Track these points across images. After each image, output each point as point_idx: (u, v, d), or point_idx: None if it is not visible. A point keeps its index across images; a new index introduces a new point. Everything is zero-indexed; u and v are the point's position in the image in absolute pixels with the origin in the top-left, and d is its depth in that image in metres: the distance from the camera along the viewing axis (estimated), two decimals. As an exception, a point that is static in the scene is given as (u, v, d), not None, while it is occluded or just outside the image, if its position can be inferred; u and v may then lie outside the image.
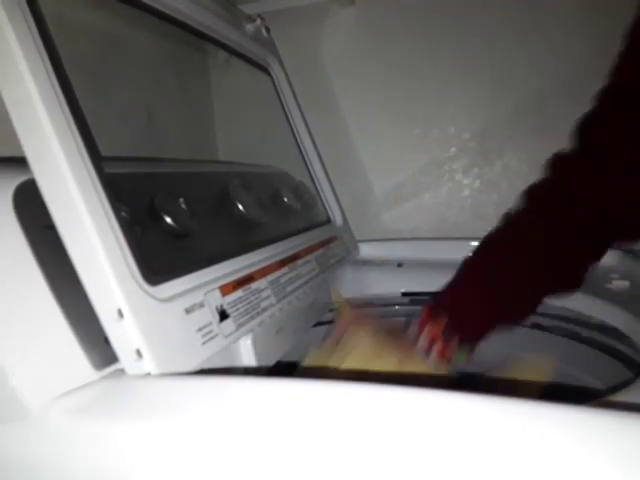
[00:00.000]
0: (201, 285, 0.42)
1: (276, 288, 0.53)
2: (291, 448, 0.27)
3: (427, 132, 0.96)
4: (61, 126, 0.33)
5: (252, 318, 0.47)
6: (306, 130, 0.80)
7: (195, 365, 0.37)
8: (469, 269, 0.54)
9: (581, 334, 0.61)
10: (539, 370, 0.52)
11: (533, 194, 0.53)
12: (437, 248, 0.85)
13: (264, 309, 0.50)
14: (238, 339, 0.45)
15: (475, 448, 0.25)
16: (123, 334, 0.34)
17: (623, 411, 0.25)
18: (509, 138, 0.92)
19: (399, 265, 0.80)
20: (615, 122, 0.48)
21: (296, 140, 0.79)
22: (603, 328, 0.58)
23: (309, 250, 0.65)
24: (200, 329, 0.39)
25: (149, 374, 0.34)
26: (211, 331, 0.40)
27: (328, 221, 0.79)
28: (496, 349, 0.68)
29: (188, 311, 0.39)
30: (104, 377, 0.35)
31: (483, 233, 0.55)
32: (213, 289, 0.43)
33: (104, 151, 0.38)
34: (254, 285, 0.49)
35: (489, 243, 0.54)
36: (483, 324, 0.52)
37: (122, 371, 0.35)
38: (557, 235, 0.50)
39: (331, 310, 0.76)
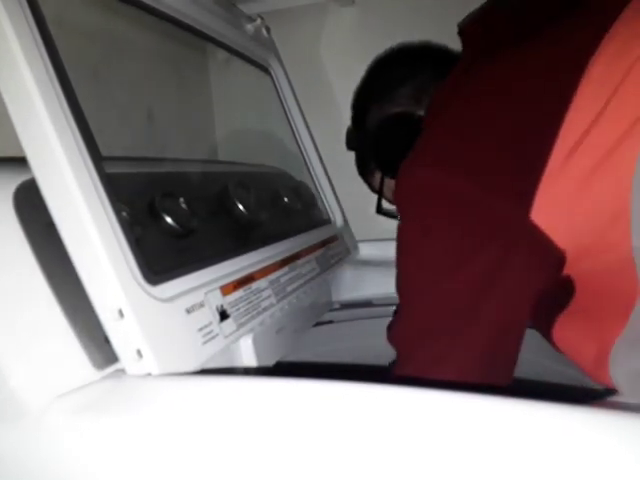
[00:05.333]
0: (202, 285, 0.42)
1: (276, 288, 0.53)
2: (292, 447, 0.27)
3: (427, 132, 0.96)
4: (61, 126, 0.33)
5: (252, 318, 0.47)
6: (306, 130, 0.80)
7: (196, 365, 0.37)
8: None
9: (581, 334, 0.61)
10: None
11: None
12: (437, 248, 0.84)
13: (264, 309, 0.50)
14: (238, 339, 0.45)
15: (474, 448, 0.25)
16: (124, 334, 0.34)
17: (623, 411, 0.25)
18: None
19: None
20: None
21: (296, 140, 0.79)
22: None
23: (309, 250, 0.65)
24: (201, 329, 0.39)
25: (150, 374, 0.34)
26: (212, 331, 0.40)
27: (328, 221, 0.79)
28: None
29: (189, 311, 0.39)
30: (104, 377, 0.35)
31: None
32: (214, 289, 0.43)
33: (104, 151, 0.38)
34: (254, 285, 0.49)
35: None
36: None
37: (122, 371, 0.35)
38: None
39: (331, 310, 0.76)
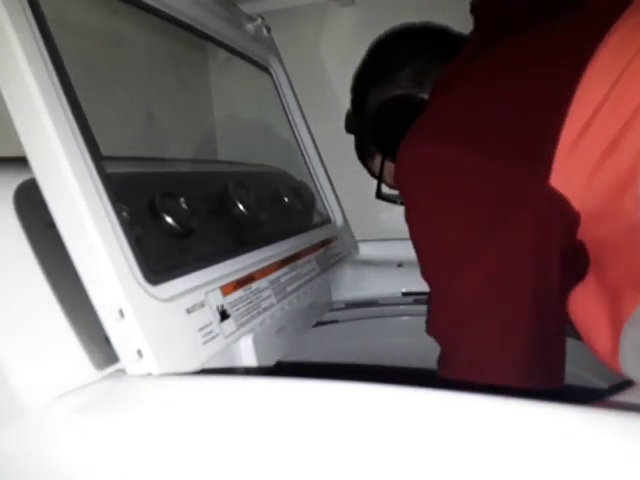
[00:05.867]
0: (202, 285, 0.42)
1: (276, 288, 0.53)
2: (293, 447, 0.27)
3: (427, 132, 0.96)
4: (62, 126, 0.33)
5: (253, 318, 0.47)
6: (306, 130, 0.80)
7: (196, 365, 0.37)
8: None
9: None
10: None
11: None
12: (437, 248, 0.85)
13: (265, 309, 0.50)
14: (239, 339, 0.45)
15: (474, 448, 0.25)
16: (124, 334, 0.34)
17: (623, 411, 0.25)
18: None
19: (399, 265, 0.80)
20: None
21: (296, 140, 0.79)
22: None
23: (309, 250, 0.65)
24: (201, 329, 0.39)
25: (150, 374, 0.34)
26: (212, 331, 0.40)
27: (328, 221, 0.79)
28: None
29: (189, 311, 0.39)
30: (105, 377, 0.35)
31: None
32: (214, 289, 0.43)
33: (104, 151, 0.37)
34: (255, 285, 0.49)
35: None
36: None
37: (123, 371, 0.35)
38: None
39: (331, 310, 0.76)
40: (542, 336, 0.45)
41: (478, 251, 0.44)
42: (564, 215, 0.42)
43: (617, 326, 0.41)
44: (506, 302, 0.44)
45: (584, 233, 0.43)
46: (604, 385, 0.56)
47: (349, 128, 0.71)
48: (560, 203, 0.41)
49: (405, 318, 0.76)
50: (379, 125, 0.62)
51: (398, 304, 0.76)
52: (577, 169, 0.40)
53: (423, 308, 0.75)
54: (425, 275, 0.49)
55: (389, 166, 0.64)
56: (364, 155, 0.70)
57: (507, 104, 0.43)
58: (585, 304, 0.45)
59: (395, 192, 0.67)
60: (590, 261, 0.44)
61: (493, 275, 0.44)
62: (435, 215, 0.46)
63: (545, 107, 0.41)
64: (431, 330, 0.49)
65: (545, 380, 0.46)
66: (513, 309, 0.44)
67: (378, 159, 0.66)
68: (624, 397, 0.35)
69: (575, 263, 0.45)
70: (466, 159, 0.43)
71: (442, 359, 0.50)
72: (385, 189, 0.69)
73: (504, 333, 0.44)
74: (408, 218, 0.48)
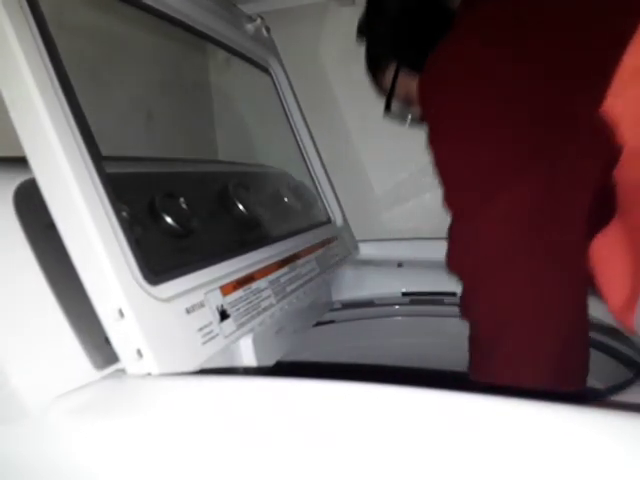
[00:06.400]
0: (201, 285, 0.42)
1: (276, 288, 0.53)
2: (293, 447, 0.27)
3: (427, 132, 0.96)
4: (62, 126, 0.33)
5: (252, 318, 0.47)
6: (306, 130, 0.80)
7: (195, 365, 0.37)
8: None
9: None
10: None
11: None
12: (437, 248, 0.83)
13: (264, 309, 0.50)
14: (238, 339, 0.45)
15: (473, 447, 0.25)
16: (124, 334, 0.34)
17: (623, 411, 0.25)
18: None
19: (399, 265, 0.80)
20: None
21: (296, 140, 0.79)
22: (602, 328, 0.58)
23: (309, 250, 0.65)
24: (200, 329, 0.39)
25: (149, 374, 0.34)
26: (211, 331, 0.40)
27: (328, 221, 0.79)
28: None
29: (189, 311, 0.39)
30: (104, 377, 0.35)
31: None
32: (214, 289, 0.43)
33: (104, 151, 0.38)
34: (254, 285, 0.49)
35: None
36: None
37: (123, 371, 0.35)
38: None
39: (331, 310, 0.76)
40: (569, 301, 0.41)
41: (519, 175, 0.40)
42: (608, 147, 0.39)
43: (638, 279, 0.39)
44: (537, 235, 0.40)
45: (619, 173, 0.41)
46: (600, 386, 0.56)
47: (364, 31, 0.64)
48: (607, 133, 0.39)
49: (403, 318, 0.76)
50: (398, 27, 0.57)
51: (394, 304, 0.76)
52: (632, 103, 0.38)
53: (420, 308, 0.75)
54: (449, 200, 0.45)
55: (402, 80, 0.59)
56: (375, 66, 0.64)
57: (565, 30, 0.40)
58: (608, 251, 0.42)
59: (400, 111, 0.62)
60: (618, 207, 0.42)
61: (527, 205, 0.40)
62: (472, 130, 0.42)
63: (607, 37, 0.39)
64: (451, 266, 0.45)
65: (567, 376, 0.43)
66: (542, 245, 0.40)
67: (391, 70, 0.60)
68: (624, 397, 0.35)
69: (603, 205, 0.42)
70: (518, 68, 0.40)
71: (462, 302, 0.46)
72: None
73: (532, 274, 0.41)
74: (434, 133, 0.45)
